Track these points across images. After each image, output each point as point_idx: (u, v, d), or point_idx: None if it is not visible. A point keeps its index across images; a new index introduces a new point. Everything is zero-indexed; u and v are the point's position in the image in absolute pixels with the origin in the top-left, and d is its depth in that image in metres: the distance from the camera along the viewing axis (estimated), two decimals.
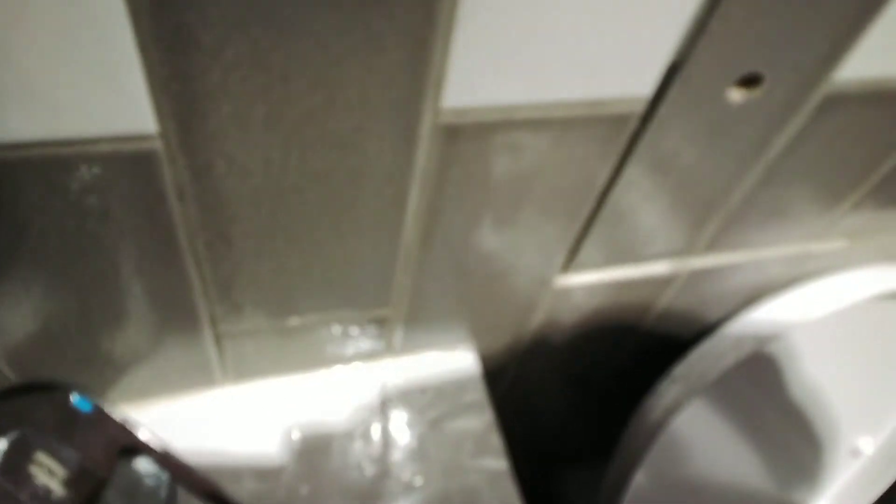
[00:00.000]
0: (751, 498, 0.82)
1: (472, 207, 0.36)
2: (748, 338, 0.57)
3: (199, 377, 0.44)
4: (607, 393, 0.68)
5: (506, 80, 0.29)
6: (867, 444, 0.78)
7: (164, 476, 0.33)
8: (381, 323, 0.44)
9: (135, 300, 0.35)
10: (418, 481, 0.47)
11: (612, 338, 0.57)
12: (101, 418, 0.30)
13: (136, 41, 0.23)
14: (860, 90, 0.37)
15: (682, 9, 0.29)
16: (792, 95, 0.35)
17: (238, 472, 0.44)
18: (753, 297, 0.57)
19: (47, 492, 0.28)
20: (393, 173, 0.32)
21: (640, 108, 0.33)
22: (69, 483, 0.29)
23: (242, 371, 0.45)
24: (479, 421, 0.49)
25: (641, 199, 0.41)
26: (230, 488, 0.35)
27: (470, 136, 0.31)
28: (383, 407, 0.49)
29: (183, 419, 0.45)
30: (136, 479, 0.32)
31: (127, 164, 0.27)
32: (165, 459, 0.32)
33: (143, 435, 0.32)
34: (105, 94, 0.24)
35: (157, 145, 0.27)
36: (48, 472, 0.29)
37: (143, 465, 0.32)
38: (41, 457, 0.29)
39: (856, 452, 0.79)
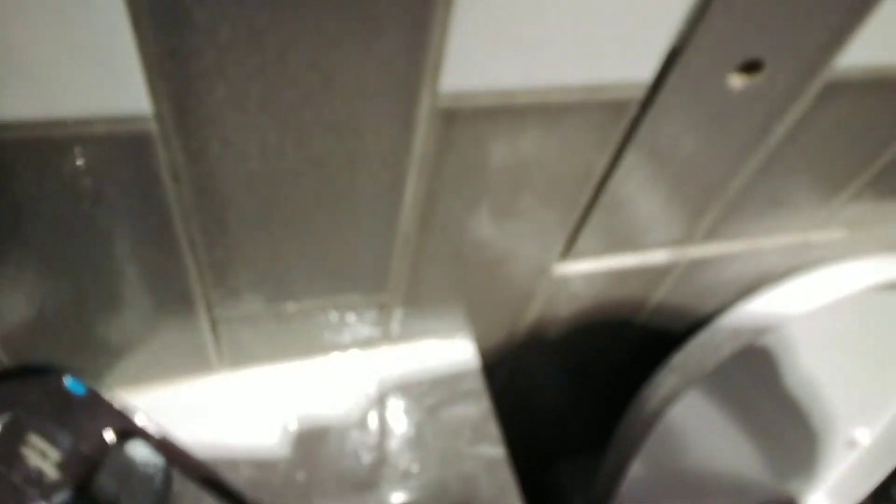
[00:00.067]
0: (747, 489, 0.82)
1: (470, 193, 0.36)
2: (746, 328, 0.56)
3: (196, 363, 0.44)
4: (605, 383, 0.68)
5: (504, 64, 0.29)
6: (863, 435, 0.78)
7: (160, 460, 0.33)
8: (379, 309, 0.44)
9: (130, 284, 0.35)
10: (415, 468, 0.47)
11: (610, 327, 0.57)
12: (94, 401, 0.30)
13: (130, 18, 0.22)
14: (861, 77, 0.36)
15: None
16: (793, 82, 0.35)
17: (234, 459, 0.44)
18: (752, 286, 0.57)
19: (40, 474, 0.28)
20: (390, 158, 0.32)
21: (639, 94, 0.33)
22: (62, 465, 0.29)
23: (239, 357, 0.45)
24: (477, 408, 0.49)
25: (640, 187, 0.41)
26: (226, 475, 0.35)
27: (468, 120, 0.31)
28: (380, 394, 0.49)
29: (178, 405, 0.45)
30: (130, 463, 0.32)
31: (121, 145, 0.27)
32: (160, 444, 0.32)
33: (138, 419, 0.32)
34: (98, 74, 0.24)
35: (152, 127, 0.26)
36: (41, 455, 0.29)
37: (137, 448, 0.32)
38: (34, 439, 0.29)
39: (852, 443, 0.79)
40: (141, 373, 0.43)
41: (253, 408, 0.46)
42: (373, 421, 0.48)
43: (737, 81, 0.34)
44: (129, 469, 0.34)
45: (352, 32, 0.25)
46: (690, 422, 0.67)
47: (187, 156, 0.28)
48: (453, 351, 0.51)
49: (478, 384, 0.50)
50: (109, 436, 0.30)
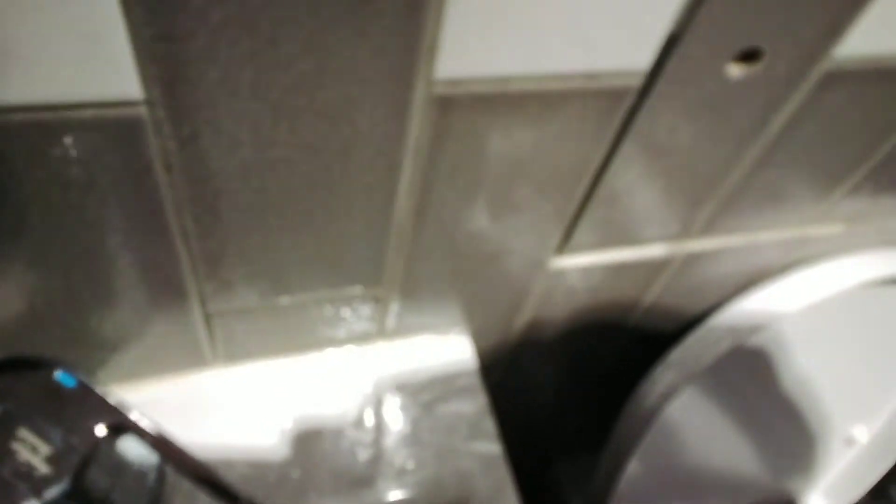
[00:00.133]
0: (745, 487, 0.82)
1: (466, 183, 0.36)
2: (744, 324, 0.56)
3: (190, 358, 0.44)
4: (603, 381, 0.67)
5: (500, 50, 0.28)
6: (861, 433, 0.78)
7: (153, 455, 0.32)
8: (374, 303, 0.44)
9: (122, 276, 0.34)
10: (411, 465, 0.46)
11: (607, 323, 0.57)
12: (85, 395, 0.29)
13: (120, 0, 0.22)
14: (861, 67, 0.36)
15: None
16: (792, 71, 0.35)
17: (228, 455, 0.43)
18: (750, 282, 0.57)
19: (30, 468, 0.28)
20: (385, 146, 0.32)
21: (637, 83, 0.33)
22: (53, 460, 0.28)
23: (233, 352, 0.45)
24: (473, 405, 0.49)
25: (637, 179, 0.40)
26: (220, 472, 0.35)
27: (464, 108, 0.31)
28: (376, 390, 0.48)
29: (173, 401, 0.44)
30: (122, 458, 0.31)
31: (112, 131, 0.27)
32: (154, 439, 0.31)
33: (130, 414, 0.31)
34: (88, 57, 0.23)
35: (143, 112, 0.26)
36: (31, 449, 0.28)
37: (130, 443, 0.31)
38: (24, 433, 0.28)
39: (850, 441, 0.79)
40: (134, 368, 0.42)
41: (248, 404, 0.45)
42: (368, 417, 0.47)
43: (735, 70, 0.34)
44: (121, 464, 0.33)
45: (345, 15, 0.25)
46: (688, 420, 0.67)
47: (179, 142, 0.28)
48: (449, 346, 0.51)
49: (474, 380, 0.50)
50: (101, 430, 0.29)
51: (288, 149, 0.30)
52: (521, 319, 0.52)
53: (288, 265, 0.38)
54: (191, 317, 0.39)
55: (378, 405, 0.48)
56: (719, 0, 0.29)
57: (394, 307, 0.46)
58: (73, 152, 0.27)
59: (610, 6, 0.28)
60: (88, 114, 0.25)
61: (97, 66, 0.24)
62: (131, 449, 0.33)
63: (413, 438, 0.47)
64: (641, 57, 0.31)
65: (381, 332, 0.49)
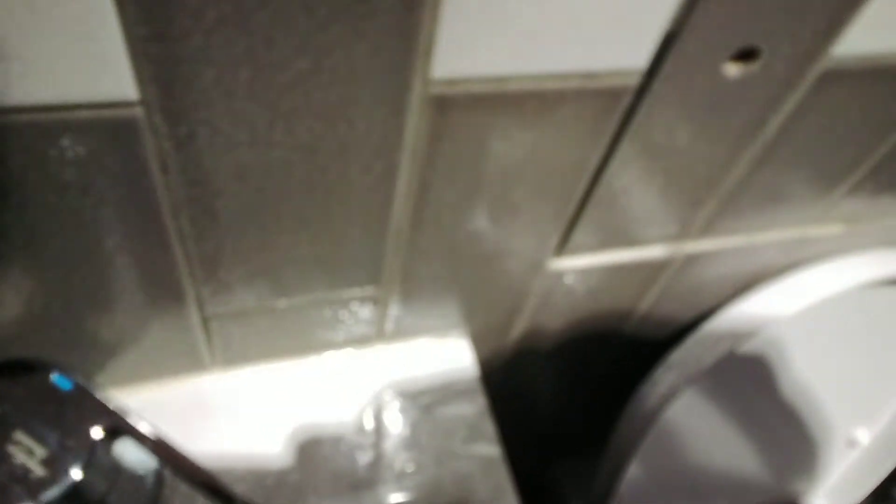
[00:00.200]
0: (747, 489, 0.81)
1: (464, 184, 0.36)
2: (744, 325, 0.56)
3: (188, 362, 0.43)
4: (603, 382, 0.67)
5: (497, 50, 0.28)
6: (863, 435, 0.77)
7: (150, 458, 0.32)
8: (373, 305, 0.44)
9: (119, 278, 0.34)
10: (410, 468, 0.46)
11: (607, 324, 0.57)
12: (82, 397, 0.29)
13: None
14: (859, 66, 0.36)
15: None
16: (790, 70, 0.35)
17: (227, 459, 0.43)
18: (750, 283, 0.57)
19: (25, 471, 0.28)
20: (382, 147, 0.31)
21: (634, 82, 0.33)
22: (48, 462, 0.28)
23: (231, 356, 0.45)
24: (472, 407, 0.49)
25: (635, 180, 0.40)
26: (218, 475, 0.34)
27: (461, 108, 0.31)
28: (375, 393, 0.48)
29: (171, 405, 0.44)
30: (119, 461, 0.31)
31: (107, 132, 0.26)
32: (151, 441, 0.31)
33: (127, 417, 0.31)
34: (82, 57, 0.23)
35: (138, 112, 0.26)
36: (27, 452, 0.28)
37: (126, 446, 0.31)
38: (20, 436, 0.28)
39: (852, 443, 0.79)
40: (132, 372, 0.42)
41: (246, 407, 0.45)
42: (368, 420, 0.47)
43: (733, 69, 0.34)
44: (118, 467, 0.33)
45: (341, 14, 0.25)
46: (689, 421, 0.67)
47: (175, 143, 0.28)
48: (449, 349, 0.51)
49: (474, 383, 0.50)
50: (98, 432, 0.29)
51: (285, 149, 0.30)
52: (521, 321, 0.52)
53: (285, 267, 0.37)
54: (188, 320, 0.39)
55: (377, 408, 0.48)
56: None
57: (392, 309, 0.45)
58: (70, 154, 0.27)
59: (607, 5, 0.28)
60: (84, 115, 0.25)
61: (92, 66, 0.24)
62: (129, 452, 0.33)
63: (412, 441, 0.47)
64: (639, 56, 0.31)
65: (380, 335, 0.48)
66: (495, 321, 0.51)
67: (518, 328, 0.53)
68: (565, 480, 0.83)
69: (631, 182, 0.40)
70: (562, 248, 0.45)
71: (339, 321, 0.45)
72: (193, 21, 0.23)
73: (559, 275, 0.47)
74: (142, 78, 0.25)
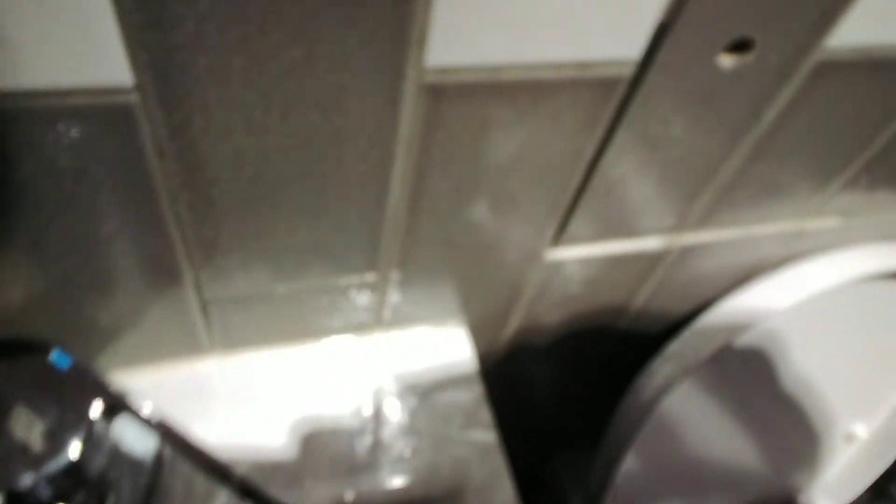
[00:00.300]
0: (745, 483, 0.82)
1: (459, 173, 0.36)
2: (741, 318, 0.56)
3: (187, 346, 0.44)
4: (600, 375, 0.67)
5: (491, 39, 0.29)
6: (861, 429, 0.78)
7: (149, 436, 0.33)
8: (370, 292, 0.44)
9: (118, 263, 0.35)
10: (407, 453, 0.46)
11: (604, 316, 0.57)
12: (80, 375, 0.30)
13: None
14: (853, 58, 0.36)
15: None
16: (784, 62, 0.35)
17: (225, 442, 0.44)
18: (747, 275, 0.57)
19: (25, 446, 0.28)
20: (377, 135, 0.32)
21: (628, 72, 0.33)
22: (48, 437, 0.29)
23: (230, 340, 0.45)
24: (469, 394, 0.49)
25: (631, 170, 0.40)
26: (216, 455, 0.35)
27: (455, 97, 0.31)
28: (373, 380, 0.49)
29: (169, 388, 0.45)
30: (118, 438, 0.32)
31: (103, 118, 0.27)
32: (149, 420, 0.32)
33: (126, 396, 0.32)
34: (78, 44, 0.24)
35: (134, 99, 0.26)
36: (27, 427, 0.29)
37: (125, 423, 0.32)
38: (20, 411, 0.29)
39: (850, 437, 0.79)
40: (131, 355, 0.43)
41: (245, 391, 0.46)
42: (366, 406, 0.48)
43: (727, 61, 0.34)
44: (116, 446, 0.34)
45: (333, 2, 0.25)
46: (686, 414, 0.67)
47: (171, 130, 0.28)
48: (446, 337, 0.51)
49: (471, 370, 0.50)
50: (96, 409, 0.30)
51: (280, 137, 0.30)
52: (518, 312, 0.52)
53: (283, 253, 0.38)
54: (187, 304, 0.40)
55: (375, 394, 0.48)
56: None
57: (391, 297, 0.46)
58: (66, 139, 0.27)
59: None
60: (80, 101, 0.26)
61: (87, 52, 0.24)
62: (128, 432, 0.34)
63: (410, 427, 0.47)
64: (632, 46, 0.32)
65: (379, 323, 0.49)
66: (492, 311, 0.51)
67: (515, 318, 0.53)
68: (564, 474, 0.83)
69: (627, 173, 0.40)
70: (558, 238, 0.45)
71: (337, 308, 0.45)
72: (186, 8, 0.24)
73: (556, 265, 0.47)
74: (137, 64, 0.25)
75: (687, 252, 0.51)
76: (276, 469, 0.44)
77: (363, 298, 0.45)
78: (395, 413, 0.48)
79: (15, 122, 0.26)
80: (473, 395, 0.49)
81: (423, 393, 0.49)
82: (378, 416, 0.47)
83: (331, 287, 0.43)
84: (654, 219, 0.46)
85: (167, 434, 0.32)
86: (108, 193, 0.31)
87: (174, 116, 0.28)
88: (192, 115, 0.28)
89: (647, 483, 0.72)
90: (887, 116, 0.42)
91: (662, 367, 0.59)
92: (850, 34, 0.34)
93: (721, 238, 0.50)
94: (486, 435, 0.48)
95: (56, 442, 0.28)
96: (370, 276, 0.43)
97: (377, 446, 0.46)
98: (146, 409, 0.32)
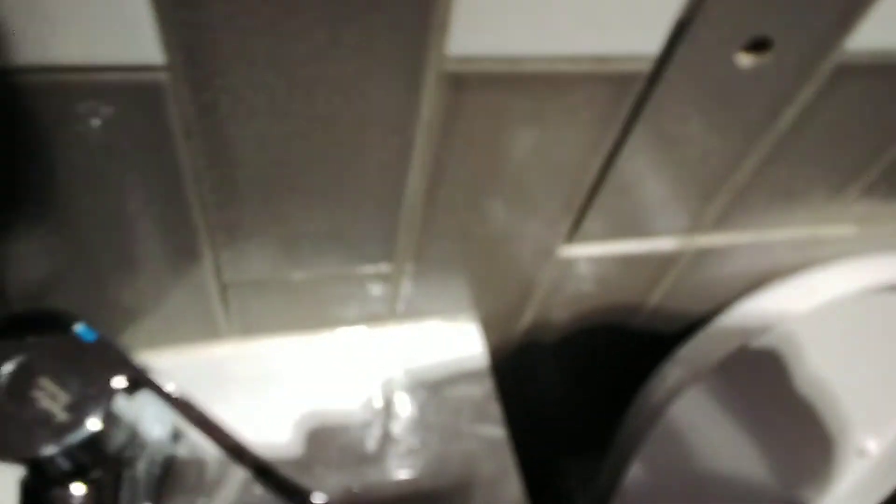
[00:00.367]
0: (753, 495, 0.81)
1: (477, 164, 0.36)
2: (754, 323, 0.56)
3: (204, 329, 0.45)
4: (610, 380, 0.67)
5: (511, 29, 0.29)
6: (874, 444, 0.77)
7: (170, 413, 0.33)
8: (385, 283, 0.45)
9: (140, 242, 0.36)
10: (416, 445, 0.47)
11: (616, 317, 0.57)
12: (104, 349, 0.31)
13: None
14: (872, 61, 0.36)
15: None
16: (802, 63, 0.35)
17: (237, 425, 0.44)
18: (761, 281, 0.57)
19: (49, 415, 0.29)
20: (398, 122, 0.32)
21: (646, 68, 0.33)
22: (71, 408, 0.29)
23: (247, 326, 0.46)
24: (480, 389, 0.50)
25: (647, 168, 0.41)
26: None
27: (475, 87, 0.32)
28: (385, 371, 0.49)
29: (185, 370, 0.45)
30: (138, 414, 0.33)
31: (133, 95, 0.28)
32: (169, 395, 0.33)
33: (149, 372, 0.32)
34: (111, 20, 0.25)
35: (164, 77, 0.27)
36: (51, 397, 0.29)
37: (146, 397, 0.32)
38: (44, 382, 0.29)
39: (862, 452, 0.78)
40: (149, 336, 0.44)
41: (258, 377, 0.47)
42: (377, 397, 0.48)
43: (745, 60, 0.34)
44: (136, 420, 0.35)
45: None
46: (695, 421, 0.67)
47: (198, 109, 0.29)
48: (458, 331, 0.52)
49: (482, 365, 0.51)
50: (119, 383, 0.31)
51: (303, 121, 0.31)
52: (530, 309, 0.53)
53: (301, 239, 0.39)
54: (206, 287, 0.41)
55: (386, 386, 0.49)
56: None
57: (404, 289, 0.46)
58: (97, 115, 0.28)
59: None
60: (111, 77, 0.27)
61: (120, 29, 0.25)
62: (148, 405, 0.34)
63: (419, 419, 0.48)
64: (651, 42, 0.32)
65: (392, 314, 0.49)
66: (505, 307, 0.52)
67: (527, 316, 0.54)
68: (570, 475, 0.83)
69: (642, 171, 0.41)
70: (572, 235, 0.45)
71: (352, 298, 0.46)
72: None
73: (569, 262, 0.48)
74: (168, 43, 0.26)
75: (700, 254, 0.51)
76: (287, 455, 0.45)
77: (377, 289, 0.46)
78: (405, 405, 0.48)
79: (47, 96, 0.27)
80: (484, 390, 0.50)
81: (433, 386, 0.49)
82: (388, 407, 0.48)
83: (346, 276, 0.43)
84: (669, 219, 0.46)
85: (188, 410, 0.33)
86: (135, 172, 0.32)
87: (202, 96, 0.28)
88: (219, 96, 0.29)
89: (653, 489, 0.72)
90: None
91: (672, 371, 0.59)
92: (869, 37, 0.34)
93: (735, 241, 0.51)
94: (495, 430, 0.48)
95: (79, 413, 0.29)
96: (385, 267, 0.43)
97: (386, 438, 0.47)
98: (168, 385, 0.32)
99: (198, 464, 0.42)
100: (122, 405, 0.32)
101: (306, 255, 0.40)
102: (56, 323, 0.31)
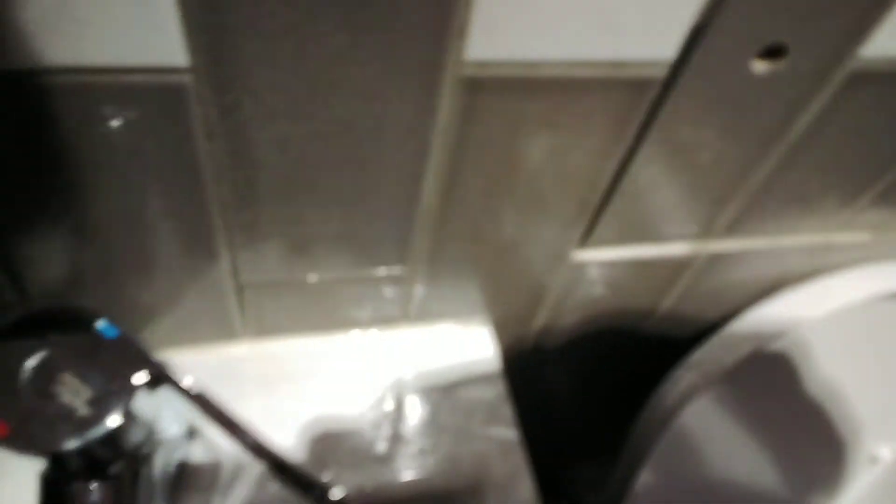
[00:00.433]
0: (764, 499, 0.81)
1: (492, 168, 0.37)
2: (766, 329, 0.56)
3: (220, 330, 0.45)
4: (622, 382, 0.68)
5: (529, 35, 0.30)
6: (886, 451, 0.76)
7: (188, 411, 0.34)
8: (398, 285, 0.45)
9: (160, 241, 0.36)
10: (428, 447, 0.47)
11: (628, 322, 0.57)
12: (125, 345, 0.31)
13: None
14: (888, 68, 0.37)
15: None
16: (817, 70, 0.35)
17: (251, 425, 0.45)
18: (772, 287, 0.57)
19: (71, 410, 0.30)
20: (415, 126, 0.33)
21: (661, 74, 0.34)
22: (93, 403, 0.30)
23: (262, 327, 0.46)
24: (492, 391, 0.50)
25: (661, 174, 0.41)
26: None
27: (492, 91, 0.32)
28: (398, 373, 0.49)
29: (200, 370, 0.46)
30: (158, 407, 0.33)
31: (157, 97, 0.28)
32: (189, 392, 0.33)
33: (168, 370, 0.33)
34: (137, 22, 0.25)
35: (188, 79, 0.28)
36: (73, 392, 0.30)
37: (166, 394, 0.33)
38: (67, 377, 0.30)
39: (874, 460, 0.78)
40: (168, 336, 0.44)
41: (273, 377, 0.47)
42: (389, 399, 0.48)
43: (760, 66, 0.35)
44: (155, 416, 0.35)
45: None
46: (706, 428, 0.67)
47: (220, 111, 0.29)
48: (471, 334, 0.52)
49: (494, 368, 0.51)
50: (140, 379, 0.31)
51: (322, 123, 0.31)
52: (542, 313, 0.53)
53: (317, 241, 0.39)
54: (223, 287, 0.41)
55: (399, 387, 0.49)
56: None
57: (418, 291, 0.47)
58: (121, 116, 0.29)
59: None
60: (137, 78, 0.27)
61: (146, 31, 0.26)
62: (167, 402, 0.35)
63: (432, 421, 0.48)
64: (667, 48, 0.32)
65: (405, 317, 0.50)
66: (517, 310, 0.52)
67: (539, 320, 0.54)
68: (580, 483, 0.83)
69: (656, 176, 0.41)
70: (585, 239, 0.46)
71: (365, 300, 0.46)
72: None
73: (582, 267, 0.48)
74: (192, 45, 0.26)
75: (713, 260, 0.51)
76: (299, 454, 0.45)
77: (391, 292, 0.46)
78: (417, 407, 0.49)
79: (73, 96, 0.28)
80: (496, 392, 0.50)
81: (446, 388, 0.50)
82: (401, 408, 0.48)
83: (360, 279, 0.44)
84: (681, 224, 0.47)
85: (207, 406, 0.33)
86: (156, 172, 0.32)
87: (225, 98, 0.29)
88: (241, 98, 0.29)
89: (665, 495, 0.72)
90: None
91: (684, 376, 0.59)
92: (884, 45, 0.35)
93: (748, 247, 0.51)
94: (507, 432, 0.48)
95: (101, 408, 0.30)
96: (399, 270, 0.44)
97: (399, 438, 0.47)
98: (188, 382, 0.33)
99: (213, 463, 0.43)
100: (141, 403, 0.32)
101: (321, 256, 0.41)
102: (78, 320, 0.31)
